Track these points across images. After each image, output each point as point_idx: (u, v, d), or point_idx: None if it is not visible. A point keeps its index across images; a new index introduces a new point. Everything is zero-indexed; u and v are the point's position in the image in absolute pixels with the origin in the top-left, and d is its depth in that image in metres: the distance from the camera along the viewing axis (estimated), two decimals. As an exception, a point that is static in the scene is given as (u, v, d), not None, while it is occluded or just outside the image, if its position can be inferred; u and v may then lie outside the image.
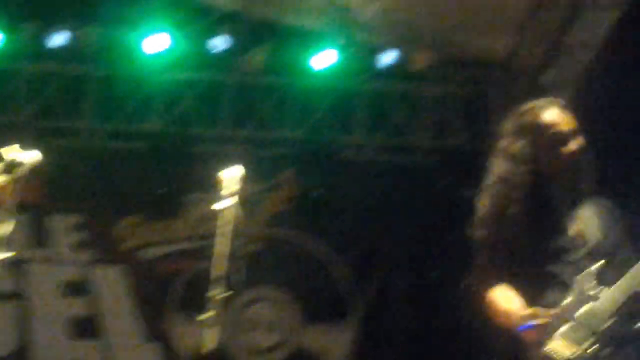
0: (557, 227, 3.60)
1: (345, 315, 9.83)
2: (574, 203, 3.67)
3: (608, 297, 3.35)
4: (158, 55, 9.14)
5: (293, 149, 9.92)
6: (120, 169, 9.71)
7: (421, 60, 9.39)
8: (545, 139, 3.67)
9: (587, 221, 3.63)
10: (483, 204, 3.78)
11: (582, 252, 3.54)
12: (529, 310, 3.40)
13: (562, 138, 3.67)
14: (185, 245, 9.63)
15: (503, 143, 3.80)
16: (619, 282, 3.39)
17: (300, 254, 9.87)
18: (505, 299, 3.50)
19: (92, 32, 9.05)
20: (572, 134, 3.68)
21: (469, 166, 9.65)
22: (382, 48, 9.49)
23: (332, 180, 9.86)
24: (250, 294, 9.58)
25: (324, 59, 9.35)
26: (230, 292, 5.79)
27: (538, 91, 9.19)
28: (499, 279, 3.57)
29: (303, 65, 9.44)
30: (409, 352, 9.69)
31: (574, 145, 3.66)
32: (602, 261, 3.47)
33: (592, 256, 3.51)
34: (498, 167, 3.76)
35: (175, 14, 9.15)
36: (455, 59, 9.66)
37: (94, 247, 9.55)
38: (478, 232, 3.73)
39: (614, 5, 7.91)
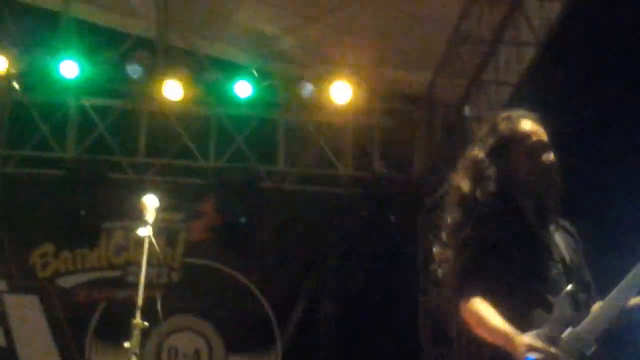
0: (528, 242, 3.44)
1: (268, 345, 9.76)
2: (543, 218, 3.53)
3: (589, 323, 3.26)
4: (73, 81, 9.02)
5: (213, 178, 9.83)
6: (35, 197, 9.50)
7: (344, 93, 9.45)
8: (523, 147, 3.53)
9: (557, 239, 3.55)
10: (450, 216, 3.55)
11: (558, 269, 3.45)
12: (532, 340, 3.20)
13: (541, 147, 3.54)
14: (103, 274, 9.46)
15: (476, 152, 3.61)
16: (598, 308, 3.34)
17: (221, 284, 9.78)
18: (494, 316, 3.28)
19: (6, 57, 8.86)
20: (549, 146, 3.58)
21: (391, 196, 9.81)
22: (304, 79, 9.51)
23: (252, 209, 9.82)
24: (171, 324, 9.43)
25: (244, 89, 9.33)
26: (151, 322, 5.75)
27: (458, 124, 9.38)
28: (473, 292, 3.37)
29: (224, 94, 9.42)
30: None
31: (550, 156, 3.54)
32: (573, 283, 3.39)
33: (566, 275, 3.44)
34: (469, 176, 3.57)
35: (91, 40, 9.06)
36: (377, 92, 9.75)
37: (8, 277, 9.31)
38: (450, 240, 3.52)
39: (531, 42, 8.03)
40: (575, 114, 7.74)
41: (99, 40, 9.18)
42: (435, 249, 3.64)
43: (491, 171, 3.49)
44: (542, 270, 3.39)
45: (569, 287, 3.31)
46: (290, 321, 9.86)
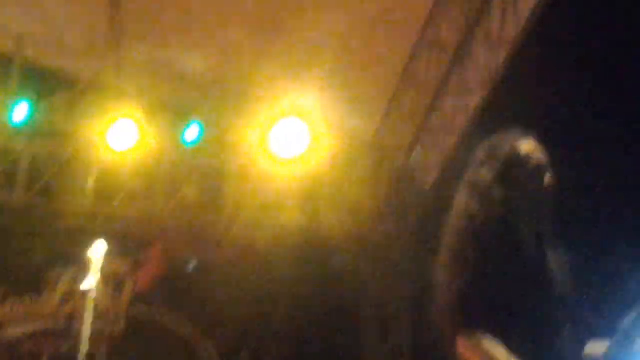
0: (526, 269, 3.24)
1: None
2: (539, 243, 3.33)
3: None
4: (22, 124, 8.91)
5: (161, 225, 9.73)
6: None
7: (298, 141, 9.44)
8: (523, 170, 3.36)
9: (554, 264, 3.37)
10: (446, 243, 3.37)
11: (559, 308, 3.28)
12: None
13: (541, 170, 3.38)
14: (49, 324, 9.27)
15: (473, 175, 3.43)
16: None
17: (166, 334, 9.64)
18: (498, 353, 3.11)
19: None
20: (549, 168, 3.41)
21: (340, 244, 9.81)
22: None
23: (200, 257, 9.75)
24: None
25: (193, 134, 9.30)
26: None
27: (405, 171, 9.43)
28: (477, 326, 3.18)
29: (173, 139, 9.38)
30: None
31: (550, 179, 3.40)
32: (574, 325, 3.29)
33: (567, 313, 3.30)
34: (465, 201, 3.39)
35: (38, 83, 8.99)
36: (326, 138, 9.74)
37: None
38: (441, 275, 3.32)
39: (476, 91, 8.12)
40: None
41: (50, 84, 9.10)
42: (434, 270, 3.41)
43: (498, 195, 3.32)
44: (546, 316, 3.21)
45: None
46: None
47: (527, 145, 3.40)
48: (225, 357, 9.73)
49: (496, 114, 8.22)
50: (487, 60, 8.00)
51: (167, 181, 9.69)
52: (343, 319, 9.87)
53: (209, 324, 9.76)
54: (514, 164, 3.34)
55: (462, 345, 3.17)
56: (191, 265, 9.72)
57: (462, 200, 3.37)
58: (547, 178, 3.36)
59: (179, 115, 9.43)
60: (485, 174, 3.34)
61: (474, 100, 8.31)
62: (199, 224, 9.78)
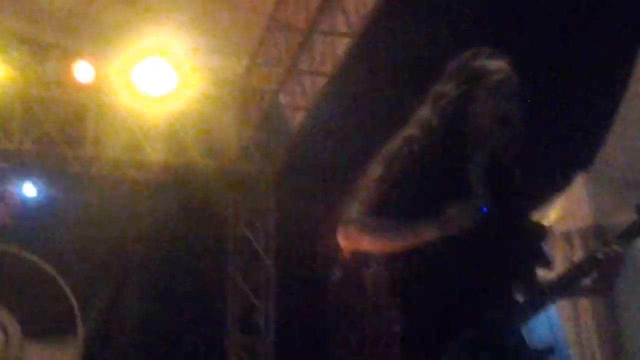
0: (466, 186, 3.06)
1: (69, 332, 9.56)
2: (493, 170, 3.16)
3: None
4: None
5: (19, 161, 9.49)
6: None
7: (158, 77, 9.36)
8: (490, 83, 3.21)
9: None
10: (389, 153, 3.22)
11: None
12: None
13: (510, 89, 3.25)
14: None
15: (439, 87, 3.28)
16: None
17: (22, 269, 9.48)
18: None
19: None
20: (519, 91, 3.28)
21: (204, 182, 9.85)
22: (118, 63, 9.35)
23: (61, 194, 9.58)
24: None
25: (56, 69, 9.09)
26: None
27: (274, 111, 9.53)
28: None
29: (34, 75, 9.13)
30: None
31: (517, 100, 3.25)
32: None
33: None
34: (428, 113, 3.25)
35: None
36: (194, 76, 9.72)
37: None
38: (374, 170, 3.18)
39: (345, 33, 8.23)
40: (386, 104, 8.04)
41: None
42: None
43: (460, 107, 3.19)
44: (481, 246, 3.02)
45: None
46: (94, 308, 9.71)
47: (499, 63, 3.29)
48: (83, 295, 9.67)
49: (364, 59, 8.41)
50: (356, 5, 8.11)
51: (27, 117, 9.43)
52: (208, 256, 9.97)
53: (67, 262, 9.66)
54: (481, 77, 3.22)
55: (346, 233, 3.13)
56: (49, 202, 9.53)
57: (425, 112, 3.27)
58: (513, 100, 3.24)
59: (40, 51, 9.18)
60: (452, 87, 3.23)
61: (342, 44, 8.43)
62: (60, 160, 9.59)
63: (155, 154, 9.85)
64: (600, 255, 3.03)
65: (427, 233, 2.94)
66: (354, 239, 3.11)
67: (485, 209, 2.92)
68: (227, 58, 9.68)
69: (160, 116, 9.72)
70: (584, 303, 5.90)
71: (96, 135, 9.67)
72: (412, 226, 2.97)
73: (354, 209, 3.16)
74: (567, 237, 6.19)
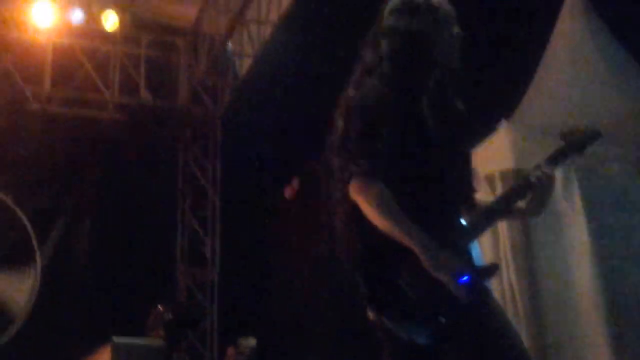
0: (425, 140, 3.21)
1: (26, 260, 9.75)
2: (441, 102, 3.33)
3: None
4: None
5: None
6: None
7: (111, 20, 9.73)
8: (438, 17, 3.29)
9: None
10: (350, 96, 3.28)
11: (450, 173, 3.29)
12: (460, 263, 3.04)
13: (452, 20, 3.34)
14: None
15: (387, 21, 3.30)
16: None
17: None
18: (401, 213, 3.04)
19: None
20: (455, 20, 3.37)
21: (156, 122, 10.25)
22: (71, 5, 9.69)
23: (17, 130, 9.82)
24: None
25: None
26: None
27: (222, 57, 9.96)
28: (374, 172, 3.08)
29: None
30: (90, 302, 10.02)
31: (458, 29, 3.35)
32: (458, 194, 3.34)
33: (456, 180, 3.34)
34: (376, 49, 3.28)
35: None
36: (144, 22, 10.10)
37: None
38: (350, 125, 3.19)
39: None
40: (331, 54, 8.48)
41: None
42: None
43: (408, 38, 3.27)
44: (439, 174, 3.22)
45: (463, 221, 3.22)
46: (50, 237, 10.03)
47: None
48: (40, 227, 9.91)
49: (308, 10, 8.83)
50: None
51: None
52: (159, 192, 10.39)
53: (21, 191, 9.84)
54: (427, 10, 3.29)
55: (359, 191, 3.10)
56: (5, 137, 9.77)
57: (384, 45, 3.30)
58: (456, 27, 3.35)
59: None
60: (399, 21, 3.28)
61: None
62: (17, 97, 9.87)
63: (110, 93, 10.25)
64: (533, 179, 3.24)
65: (418, 250, 2.99)
66: (362, 200, 3.10)
67: (469, 279, 2.98)
68: (179, 4, 10.05)
69: (116, 58, 10.11)
70: (502, 225, 6.21)
71: (53, 75, 10.02)
72: (411, 232, 3.01)
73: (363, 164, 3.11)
74: (490, 179, 6.46)
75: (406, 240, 2.99)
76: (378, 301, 3.04)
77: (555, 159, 3.36)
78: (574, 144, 3.41)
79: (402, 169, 3.14)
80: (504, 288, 6.26)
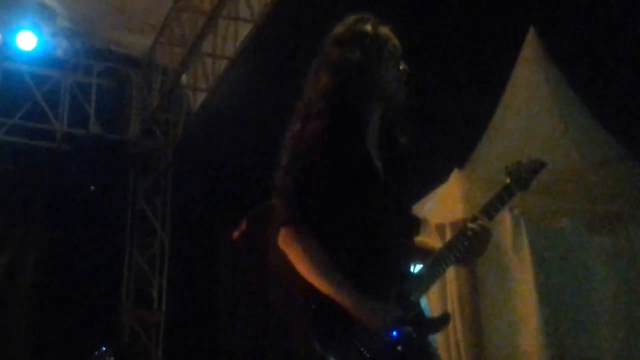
0: (370, 179, 3.12)
1: None
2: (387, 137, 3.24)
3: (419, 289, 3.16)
4: None
5: None
6: None
7: (64, 47, 9.51)
8: (385, 50, 3.20)
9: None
10: (294, 134, 3.17)
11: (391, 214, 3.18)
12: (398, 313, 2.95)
13: (399, 55, 3.25)
14: None
15: (330, 52, 3.22)
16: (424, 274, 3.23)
17: None
18: (330, 265, 2.93)
19: None
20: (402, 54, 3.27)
21: (104, 154, 10.02)
22: (22, 30, 9.43)
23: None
24: None
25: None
26: None
27: (175, 89, 9.75)
28: (305, 220, 2.97)
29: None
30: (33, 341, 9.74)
31: (404, 64, 3.25)
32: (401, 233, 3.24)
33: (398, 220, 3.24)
34: (329, 80, 3.16)
35: None
36: (97, 51, 9.88)
37: None
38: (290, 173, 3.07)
39: (248, 19, 8.45)
40: (286, 91, 8.29)
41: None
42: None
43: (347, 74, 3.16)
44: (379, 216, 3.10)
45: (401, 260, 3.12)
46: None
47: (385, 29, 3.28)
48: None
49: (264, 45, 8.66)
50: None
51: None
52: (107, 228, 10.19)
53: None
54: (373, 41, 3.20)
55: (288, 240, 3.00)
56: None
57: (326, 79, 3.19)
58: (402, 64, 3.27)
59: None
60: (344, 52, 3.19)
61: (245, 29, 8.65)
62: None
63: (59, 124, 9.98)
64: (468, 232, 3.16)
65: (347, 305, 2.90)
66: (290, 252, 3.00)
67: (396, 334, 2.91)
68: (133, 35, 9.84)
69: (65, 87, 9.88)
70: (451, 277, 6.09)
71: (2, 102, 9.75)
72: (340, 287, 2.90)
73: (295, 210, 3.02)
74: (440, 230, 6.34)
75: (336, 296, 2.89)
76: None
77: (492, 209, 3.27)
78: (519, 180, 3.34)
79: (342, 214, 3.03)
80: (449, 340, 6.12)
